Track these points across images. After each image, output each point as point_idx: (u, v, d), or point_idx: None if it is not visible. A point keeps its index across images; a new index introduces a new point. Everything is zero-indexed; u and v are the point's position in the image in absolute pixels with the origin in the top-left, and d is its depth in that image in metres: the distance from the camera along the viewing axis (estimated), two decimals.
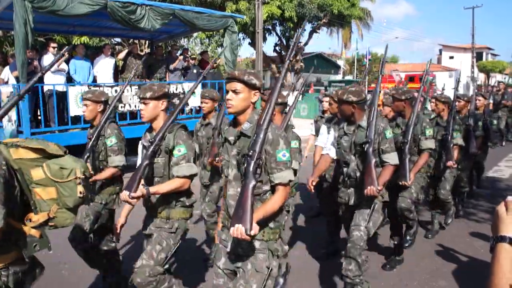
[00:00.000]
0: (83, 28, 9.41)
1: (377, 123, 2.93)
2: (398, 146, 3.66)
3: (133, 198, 2.33)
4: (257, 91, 2.06)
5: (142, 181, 2.44)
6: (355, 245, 2.85)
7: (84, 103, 3.16)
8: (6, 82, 7.40)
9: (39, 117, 7.04)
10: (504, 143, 10.66)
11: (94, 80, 7.89)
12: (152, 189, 2.44)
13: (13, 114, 6.75)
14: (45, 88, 7.06)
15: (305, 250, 4.28)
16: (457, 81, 5.00)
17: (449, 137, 4.31)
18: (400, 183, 3.54)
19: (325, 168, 3.22)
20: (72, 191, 1.79)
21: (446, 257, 4.09)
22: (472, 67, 33.99)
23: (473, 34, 33.87)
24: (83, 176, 1.83)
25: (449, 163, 4.19)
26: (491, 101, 11.11)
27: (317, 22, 19.38)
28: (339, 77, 35.02)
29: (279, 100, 3.24)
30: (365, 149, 2.87)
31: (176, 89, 8.39)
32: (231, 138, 2.09)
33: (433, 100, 4.69)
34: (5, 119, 7.15)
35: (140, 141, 2.68)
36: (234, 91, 2.02)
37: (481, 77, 36.98)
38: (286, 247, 2.23)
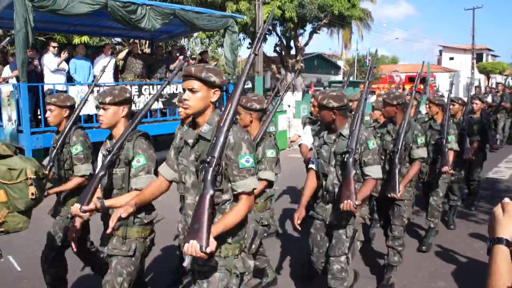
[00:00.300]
0: (84, 27, 9.41)
1: (360, 132, 2.67)
2: (388, 154, 3.52)
3: (85, 211, 2.14)
4: (217, 89, 1.87)
5: (100, 194, 2.29)
6: (336, 277, 2.71)
7: (47, 108, 2.98)
8: (7, 81, 7.41)
9: (39, 117, 7.03)
10: (497, 144, 10.45)
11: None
12: (107, 202, 2.24)
13: (13, 113, 6.75)
14: (45, 88, 7.05)
15: (296, 256, 4.08)
16: (451, 84, 4.89)
17: (444, 141, 4.16)
18: (389, 195, 3.32)
19: (314, 186, 2.94)
20: (23, 193, 1.70)
21: (446, 258, 4.09)
22: (472, 68, 34.02)
23: (473, 35, 33.98)
24: (35, 177, 1.75)
25: (445, 168, 4.02)
26: (490, 100, 11.08)
27: (318, 23, 19.38)
28: (339, 77, 35.01)
29: (257, 106, 3.00)
30: (345, 159, 2.63)
31: (177, 89, 8.38)
32: (190, 141, 1.90)
33: (427, 102, 4.53)
34: (5, 119, 7.15)
35: (101, 149, 2.48)
36: (191, 90, 1.84)
37: (477, 77, 36.85)
38: (252, 262, 1.94)
